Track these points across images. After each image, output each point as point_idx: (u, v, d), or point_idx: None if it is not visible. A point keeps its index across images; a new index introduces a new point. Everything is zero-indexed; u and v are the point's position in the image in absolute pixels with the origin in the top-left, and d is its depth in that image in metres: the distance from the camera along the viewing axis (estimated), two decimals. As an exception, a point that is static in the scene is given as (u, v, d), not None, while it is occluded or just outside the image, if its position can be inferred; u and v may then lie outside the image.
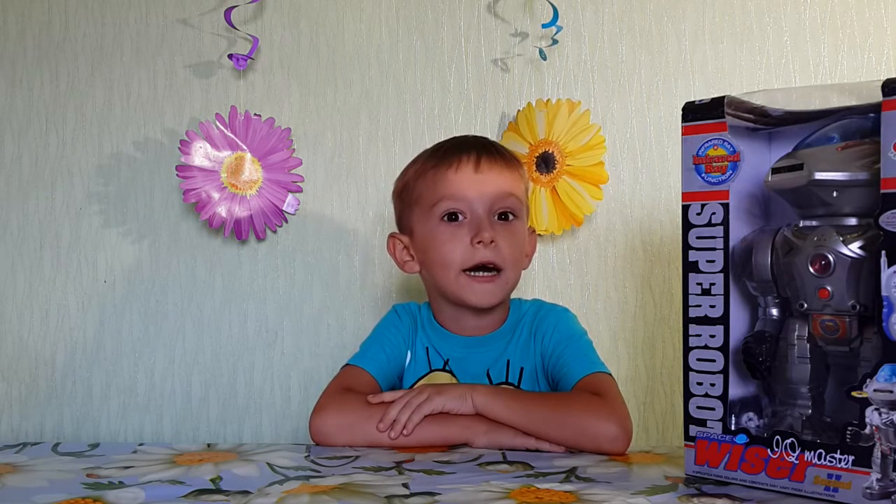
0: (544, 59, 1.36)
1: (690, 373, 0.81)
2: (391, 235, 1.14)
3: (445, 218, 1.06)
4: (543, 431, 0.96)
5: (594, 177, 1.33)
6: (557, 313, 1.12)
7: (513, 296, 1.15)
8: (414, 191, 1.10)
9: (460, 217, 1.06)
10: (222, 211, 1.35)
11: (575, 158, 1.33)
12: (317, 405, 1.02)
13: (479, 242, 1.04)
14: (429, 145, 1.35)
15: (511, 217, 1.08)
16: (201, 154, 1.35)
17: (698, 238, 0.81)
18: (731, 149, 0.79)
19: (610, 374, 1.04)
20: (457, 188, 1.05)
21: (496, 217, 1.07)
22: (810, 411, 0.80)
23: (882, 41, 1.34)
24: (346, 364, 1.10)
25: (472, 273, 1.06)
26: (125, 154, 1.42)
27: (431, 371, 1.13)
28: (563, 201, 1.33)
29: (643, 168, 1.38)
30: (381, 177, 1.40)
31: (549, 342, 1.09)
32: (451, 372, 1.12)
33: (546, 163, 1.33)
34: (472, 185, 1.05)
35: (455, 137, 1.15)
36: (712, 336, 0.80)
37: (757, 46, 1.36)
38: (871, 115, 0.73)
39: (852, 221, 0.76)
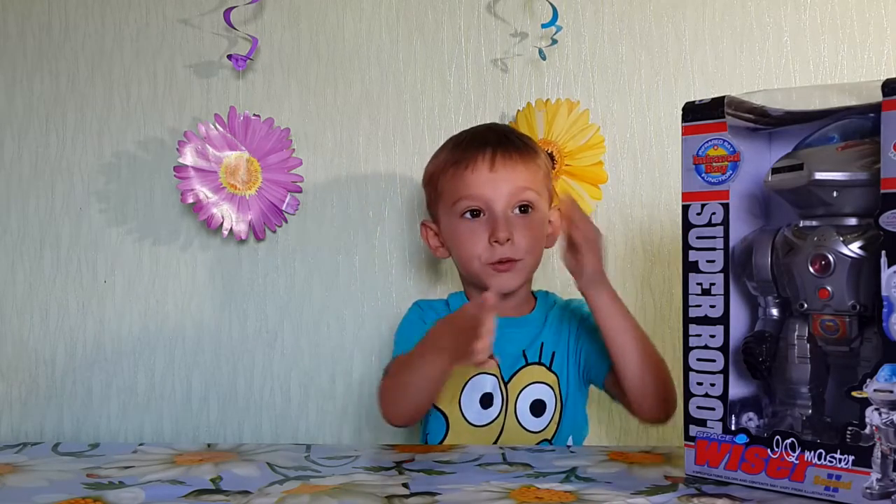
0: (544, 58, 1.36)
1: (690, 373, 0.81)
2: (423, 223, 1.21)
3: (467, 214, 1.12)
4: (640, 348, 1.01)
5: (593, 177, 1.33)
6: (583, 305, 1.18)
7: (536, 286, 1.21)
8: (438, 184, 1.16)
9: (480, 214, 1.11)
10: (221, 211, 1.35)
11: (574, 158, 1.32)
12: (380, 391, 1.04)
13: (495, 241, 1.09)
14: (429, 145, 1.37)
15: (529, 209, 1.12)
16: (200, 154, 1.35)
17: (698, 238, 0.81)
18: (731, 149, 0.79)
19: None
20: (474, 188, 1.10)
21: (516, 210, 1.11)
22: (810, 411, 0.80)
23: (882, 41, 1.34)
24: (393, 359, 1.11)
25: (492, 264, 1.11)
26: (125, 154, 1.42)
27: None
28: (563, 201, 1.33)
29: (643, 168, 1.37)
30: (381, 177, 1.40)
31: (582, 327, 1.15)
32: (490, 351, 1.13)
33: (546, 163, 1.33)
34: (488, 184, 1.10)
35: (474, 129, 1.19)
36: (712, 336, 0.80)
37: (757, 46, 1.36)
38: (871, 115, 0.73)
39: (852, 221, 0.76)
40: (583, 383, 1.16)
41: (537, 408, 1.12)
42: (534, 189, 1.12)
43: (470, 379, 1.12)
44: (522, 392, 1.12)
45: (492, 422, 1.11)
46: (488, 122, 1.38)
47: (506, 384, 1.12)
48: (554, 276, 1.38)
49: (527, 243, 1.11)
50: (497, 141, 1.13)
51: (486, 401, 1.12)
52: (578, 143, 1.32)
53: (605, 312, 1.02)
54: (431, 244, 1.20)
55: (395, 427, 1.08)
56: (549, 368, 1.14)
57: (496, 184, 1.10)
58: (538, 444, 1.12)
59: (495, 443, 1.11)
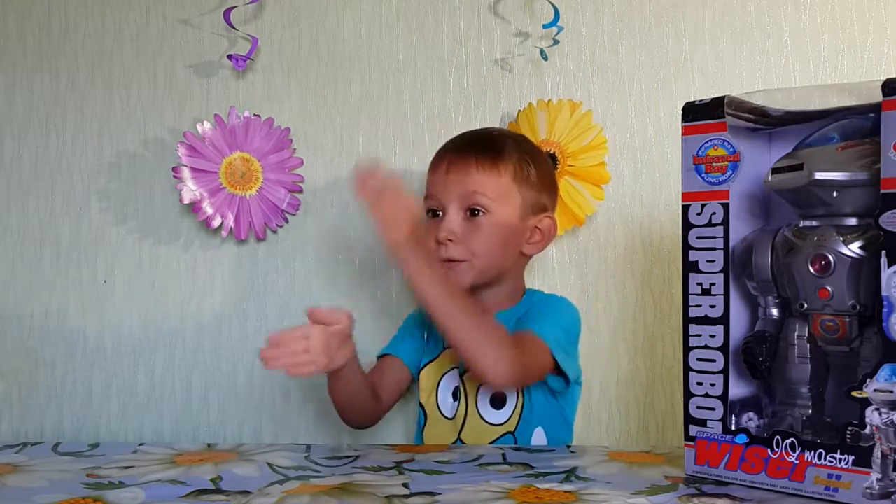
0: (545, 59, 1.36)
1: (690, 373, 0.82)
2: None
3: (429, 213, 1.18)
4: (455, 322, 1.02)
5: (596, 177, 1.33)
6: (552, 299, 1.23)
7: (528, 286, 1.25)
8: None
9: (438, 213, 1.17)
10: (221, 211, 1.35)
11: (577, 159, 1.32)
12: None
13: (436, 240, 1.14)
14: (429, 145, 1.37)
15: (480, 213, 1.15)
16: (200, 154, 1.35)
17: (698, 238, 0.81)
18: (731, 149, 0.79)
19: (564, 375, 1.11)
20: (432, 188, 1.18)
21: (469, 213, 1.15)
22: (810, 411, 0.80)
23: (882, 41, 1.34)
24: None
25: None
26: (125, 154, 1.42)
27: (445, 350, 1.20)
28: (565, 201, 1.32)
29: (643, 168, 1.37)
30: (381, 177, 1.40)
31: (532, 311, 1.18)
32: None
33: (546, 163, 1.33)
34: (443, 186, 1.17)
35: (461, 134, 1.25)
36: (712, 336, 0.80)
37: (757, 46, 1.36)
38: (871, 115, 0.73)
39: (852, 221, 0.76)
40: (560, 382, 1.14)
41: (497, 399, 1.15)
42: (486, 194, 1.14)
43: (445, 374, 1.18)
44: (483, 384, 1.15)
45: (456, 414, 1.16)
46: (488, 122, 1.38)
47: (461, 376, 1.17)
48: (554, 277, 1.38)
49: (473, 246, 1.14)
50: (457, 146, 1.19)
51: (456, 393, 1.18)
52: (581, 144, 1.32)
53: (413, 284, 1.04)
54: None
55: (359, 428, 1.21)
56: None
57: (447, 186, 1.15)
58: (501, 437, 1.14)
59: (459, 434, 1.16)
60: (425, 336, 1.23)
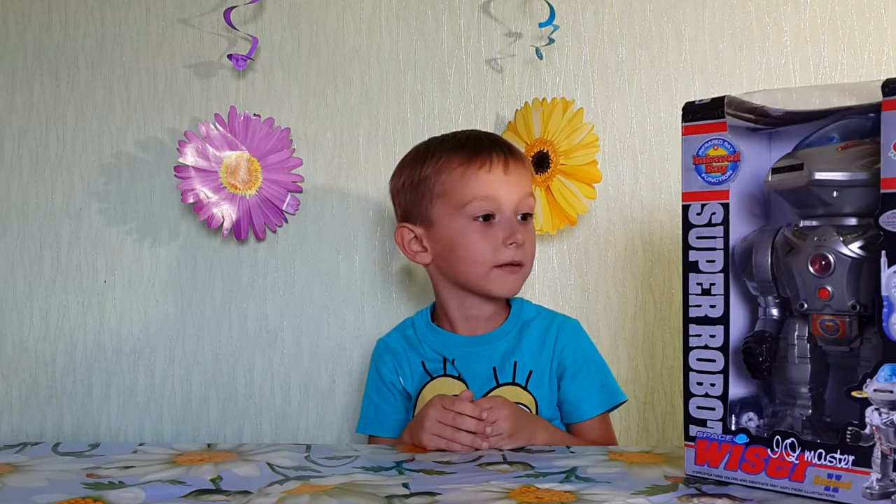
0: (541, 58, 1.36)
1: (690, 373, 0.81)
2: (400, 226, 1.16)
3: (480, 218, 1.09)
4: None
5: (588, 176, 1.32)
6: (573, 327, 1.17)
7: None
8: (437, 185, 1.11)
9: (490, 217, 1.09)
10: (221, 211, 1.35)
11: (569, 158, 1.32)
12: None
13: (511, 244, 1.08)
14: (429, 145, 1.36)
15: (529, 217, 1.14)
16: (200, 154, 1.35)
17: (698, 238, 0.81)
18: (731, 149, 0.79)
19: (619, 404, 1.14)
20: (490, 190, 1.09)
21: (520, 217, 1.12)
22: (810, 411, 0.80)
23: (882, 41, 1.34)
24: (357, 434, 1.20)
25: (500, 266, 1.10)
26: (125, 154, 1.42)
27: (433, 378, 1.13)
28: (558, 201, 1.32)
29: (643, 168, 1.37)
30: (381, 177, 1.40)
31: (568, 359, 1.13)
32: (458, 373, 1.12)
33: (541, 162, 1.33)
34: (503, 187, 1.09)
35: (471, 132, 1.18)
36: (712, 336, 0.80)
37: (757, 46, 1.36)
38: (871, 115, 0.73)
39: (852, 221, 0.76)
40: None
41: None
42: (533, 196, 1.15)
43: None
44: None
45: None
46: (488, 122, 1.38)
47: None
48: (554, 277, 1.38)
49: (530, 249, 1.12)
50: (506, 146, 1.14)
51: None
52: (573, 143, 1.32)
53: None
54: (409, 249, 1.15)
55: None
56: (525, 388, 1.10)
57: (510, 187, 1.09)
58: None
59: None
60: (400, 380, 1.16)
